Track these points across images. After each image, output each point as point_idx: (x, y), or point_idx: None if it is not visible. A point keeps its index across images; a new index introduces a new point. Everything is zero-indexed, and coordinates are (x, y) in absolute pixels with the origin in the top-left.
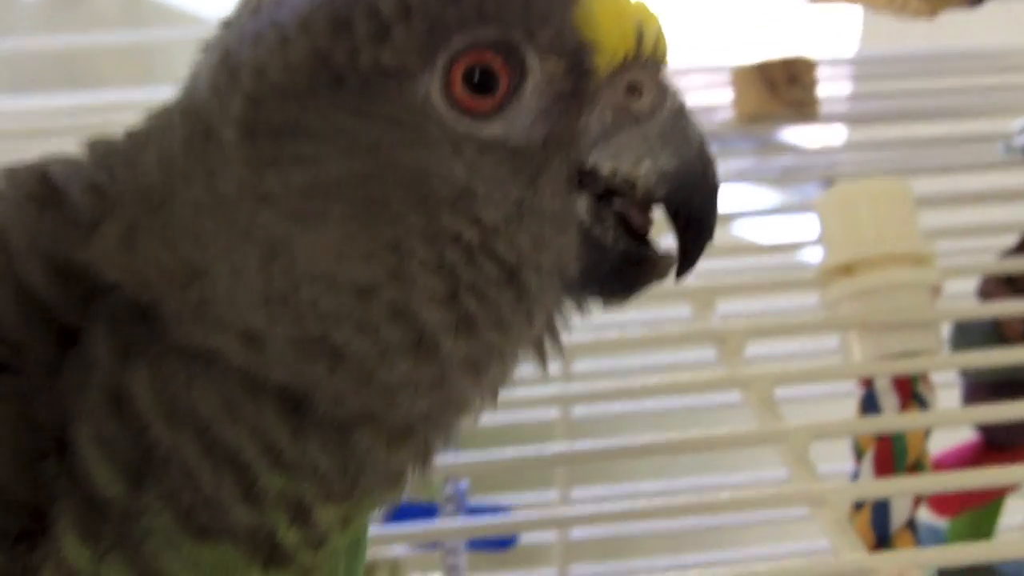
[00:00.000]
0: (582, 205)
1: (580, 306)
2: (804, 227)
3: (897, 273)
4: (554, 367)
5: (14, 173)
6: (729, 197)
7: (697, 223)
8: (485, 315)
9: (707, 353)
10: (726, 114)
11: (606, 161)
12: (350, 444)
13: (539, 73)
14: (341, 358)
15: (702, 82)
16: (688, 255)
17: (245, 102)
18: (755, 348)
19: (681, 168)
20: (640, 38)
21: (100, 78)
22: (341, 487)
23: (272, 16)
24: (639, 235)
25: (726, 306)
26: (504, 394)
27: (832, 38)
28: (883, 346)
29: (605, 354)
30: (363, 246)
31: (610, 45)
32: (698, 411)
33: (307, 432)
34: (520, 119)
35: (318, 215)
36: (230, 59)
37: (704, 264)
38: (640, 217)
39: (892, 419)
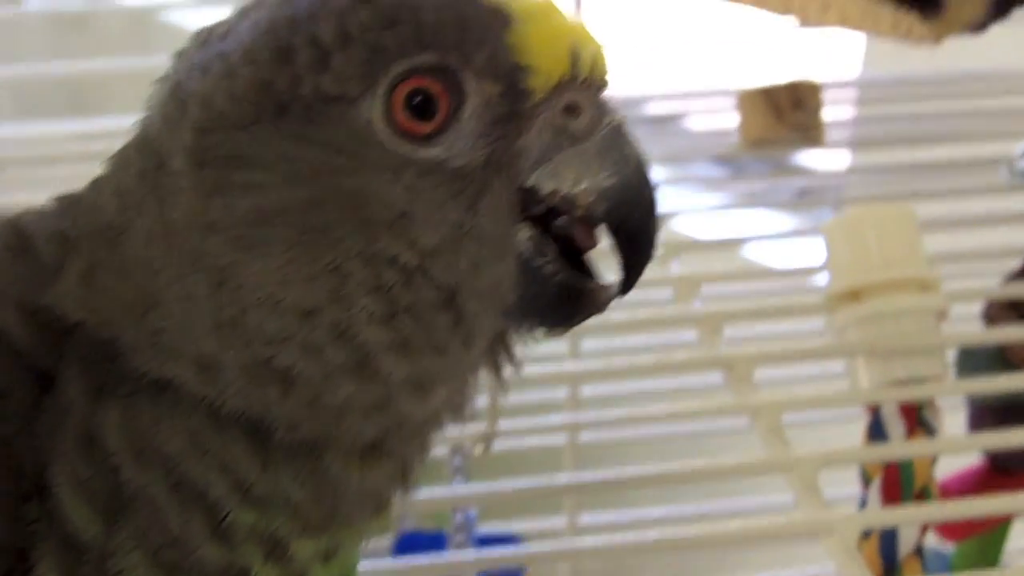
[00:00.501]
0: (523, 235)
1: (521, 333)
2: (813, 251)
3: (903, 299)
4: (562, 393)
5: None
6: (739, 221)
7: (637, 240)
8: (422, 337)
9: (715, 377)
10: (732, 138)
11: (546, 181)
12: (320, 470)
13: (477, 96)
14: (290, 381)
15: (708, 106)
16: (630, 272)
17: (193, 132)
18: (762, 372)
19: (619, 186)
20: (576, 60)
21: (109, 100)
22: (317, 517)
23: (219, 48)
24: (581, 261)
25: (733, 330)
26: (512, 422)
27: (835, 61)
28: (889, 372)
29: (613, 380)
30: (305, 270)
31: (545, 67)
32: (706, 436)
33: (276, 462)
34: (460, 141)
35: (263, 241)
36: (180, 90)
37: (712, 288)
38: (584, 236)
39: (899, 447)
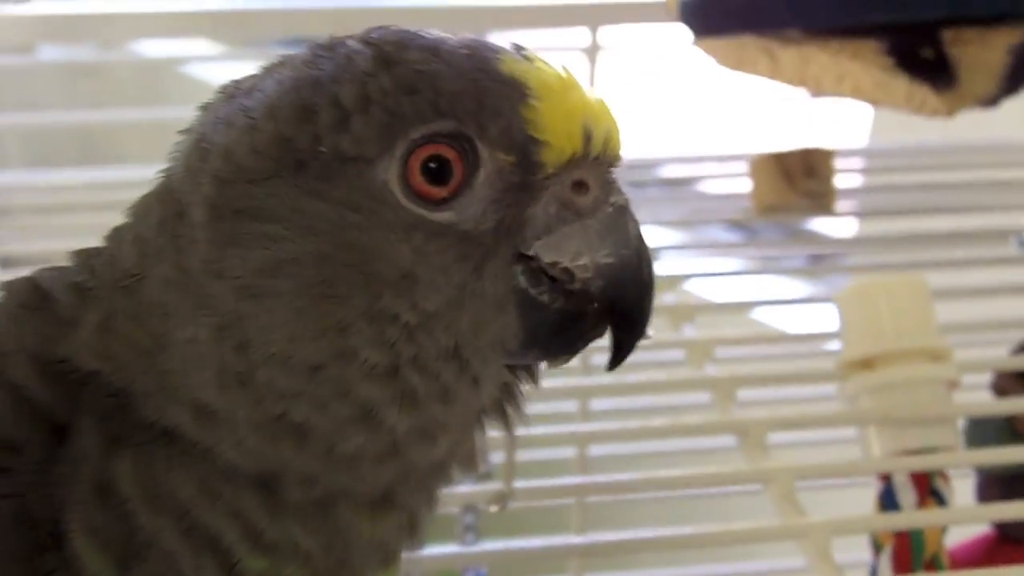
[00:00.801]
0: (519, 268)
1: (527, 367)
2: (823, 317)
3: (915, 369)
4: (571, 453)
5: (10, 285)
6: (750, 285)
7: (630, 317)
8: (427, 388)
9: (726, 440)
10: (745, 202)
11: (547, 253)
12: (331, 520)
13: (490, 165)
14: (303, 436)
15: (721, 170)
16: (620, 348)
17: (213, 183)
18: (774, 435)
19: (617, 264)
20: (588, 137)
21: (120, 149)
22: (327, 566)
23: (243, 103)
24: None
25: (746, 392)
26: (525, 482)
27: (843, 128)
28: (901, 441)
29: (625, 441)
30: (312, 325)
31: (557, 144)
32: (716, 497)
33: (287, 511)
34: (472, 207)
35: (271, 292)
36: (203, 142)
37: (726, 352)
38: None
39: (911, 516)
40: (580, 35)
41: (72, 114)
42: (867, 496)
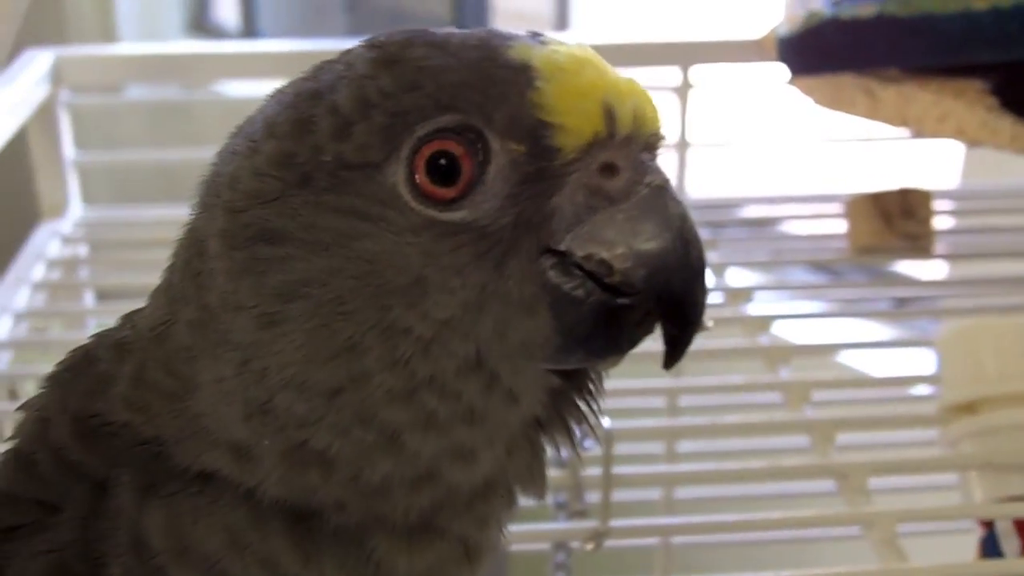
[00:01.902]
0: (547, 263)
1: (580, 373)
2: (912, 360)
3: (1019, 414)
4: (655, 495)
5: (67, 356)
6: (835, 328)
7: (681, 307)
8: (449, 410)
9: (822, 484)
10: (827, 244)
11: (580, 245)
12: (364, 556)
13: (502, 156)
14: (328, 463)
15: (804, 211)
16: (675, 343)
17: (225, 214)
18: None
19: (659, 249)
20: (611, 116)
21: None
22: None
23: (247, 130)
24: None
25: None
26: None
27: (933, 170)
28: (1005, 487)
29: (713, 484)
30: (325, 346)
31: (572, 125)
32: (809, 544)
33: (319, 553)
34: (486, 203)
35: (285, 318)
36: (216, 176)
37: (822, 395)
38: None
39: (1014, 564)
40: (671, 74)
41: (158, 152)
42: (968, 543)
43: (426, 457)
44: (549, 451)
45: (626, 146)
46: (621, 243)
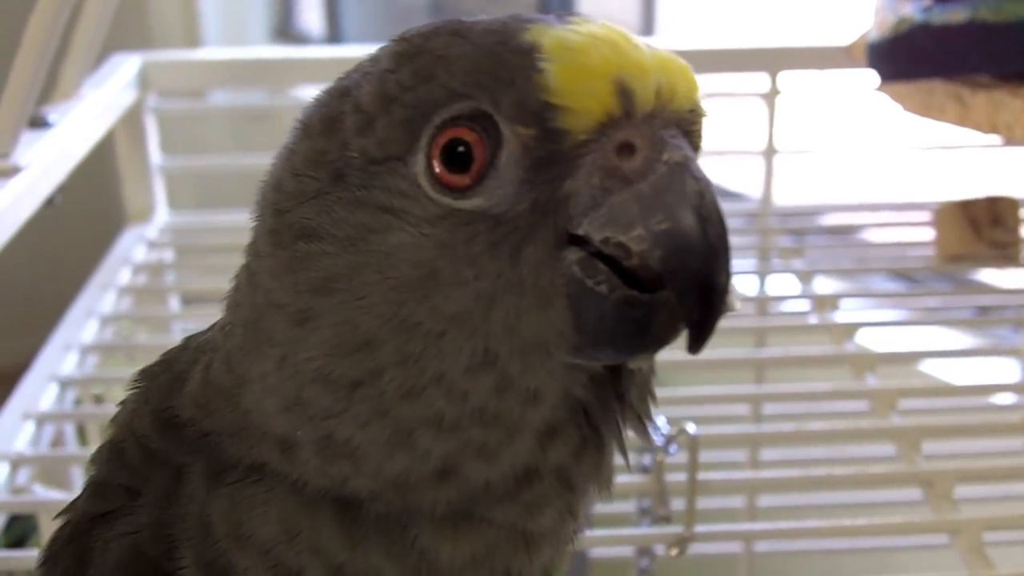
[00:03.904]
0: (572, 257)
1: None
2: (998, 369)
3: None
4: (739, 503)
5: (160, 356)
6: (917, 336)
7: (698, 291)
8: (457, 410)
9: (906, 493)
10: (907, 252)
11: (597, 229)
12: (408, 542)
13: (513, 141)
14: (353, 455)
15: (901, 219)
16: (697, 328)
17: (272, 215)
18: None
19: (674, 229)
20: (627, 95)
21: None
22: None
23: (288, 138)
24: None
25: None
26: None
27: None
28: None
29: (806, 491)
30: (347, 341)
31: (579, 106)
32: (891, 553)
33: (366, 540)
34: (500, 189)
35: (316, 314)
36: (267, 180)
37: (907, 403)
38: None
39: None
40: (759, 80)
41: (241, 158)
42: None
43: (439, 455)
44: (614, 441)
45: (647, 124)
46: (638, 224)
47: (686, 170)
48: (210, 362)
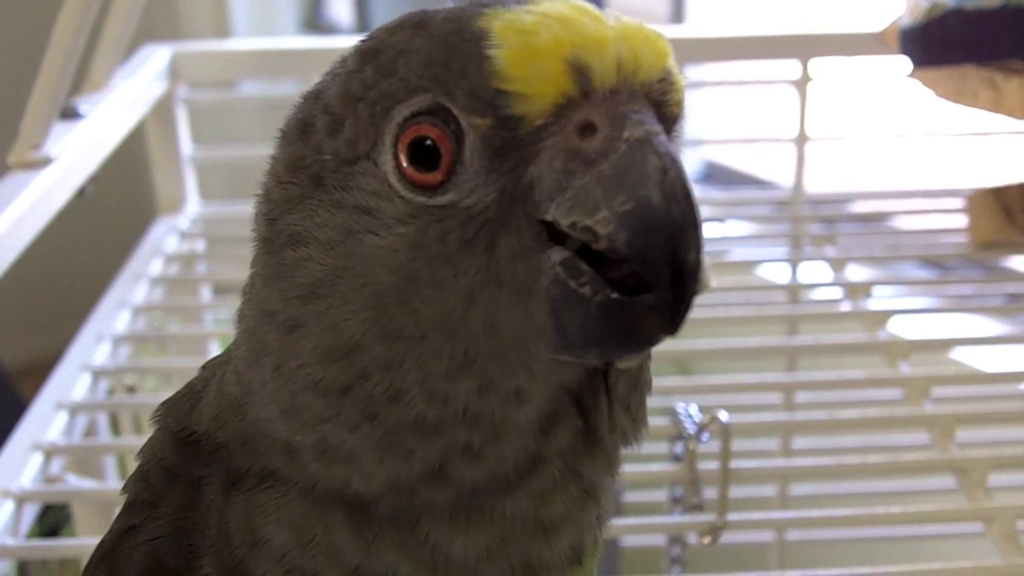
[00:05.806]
0: (556, 258)
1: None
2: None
3: None
4: (771, 491)
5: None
6: (947, 323)
7: (668, 271)
8: (441, 410)
9: (939, 480)
10: (938, 239)
11: (564, 213)
12: (420, 538)
13: (471, 132)
14: (348, 458)
15: (932, 206)
16: (669, 309)
17: (264, 223)
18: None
19: (636, 208)
20: (582, 73)
21: None
22: None
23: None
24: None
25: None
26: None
27: None
28: None
29: (839, 479)
30: (334, 347)
31: (531, 90)
32: (922, 541)
33: (378, 539)
34: (468, 182)
35: (304, 321)
36: (258, 193)
37: (940, 391)
38: (617, 272)
39: None
40: (791, 67)
41: (270, 148)
42: None
43: (425, 457)
44: (613, 429)
45: (609, 101)
46: (602, 206)
47: (648, 146)
48: (224, 375)
